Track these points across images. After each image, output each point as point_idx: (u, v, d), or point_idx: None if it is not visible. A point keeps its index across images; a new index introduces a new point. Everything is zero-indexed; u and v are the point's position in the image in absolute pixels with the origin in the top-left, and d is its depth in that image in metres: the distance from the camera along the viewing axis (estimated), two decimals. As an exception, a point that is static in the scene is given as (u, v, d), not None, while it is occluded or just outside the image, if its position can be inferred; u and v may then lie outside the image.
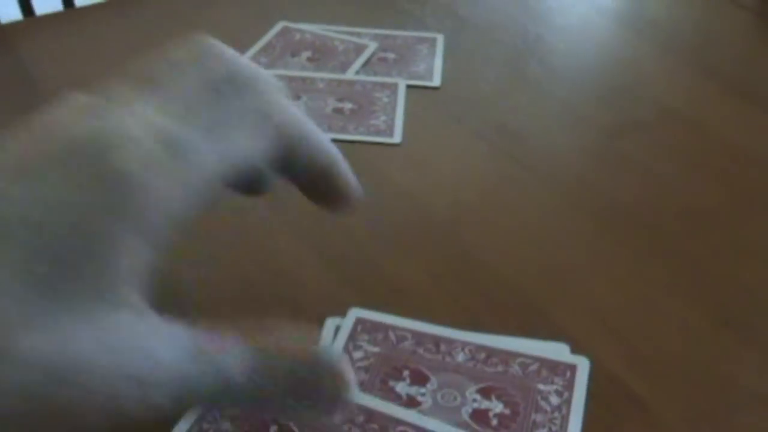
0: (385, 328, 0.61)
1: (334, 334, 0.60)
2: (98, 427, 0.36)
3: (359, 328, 0.60)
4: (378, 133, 0.80)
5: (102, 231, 0.38)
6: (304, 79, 0.86)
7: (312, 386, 0.45)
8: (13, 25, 0.99)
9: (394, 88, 0.86)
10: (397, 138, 0.80)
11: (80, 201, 0.37)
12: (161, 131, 0.42)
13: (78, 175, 0.38)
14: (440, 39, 0.95)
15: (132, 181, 0.39)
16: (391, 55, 0.91)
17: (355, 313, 0.62)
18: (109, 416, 0.36)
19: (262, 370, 0.44)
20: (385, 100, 0.84)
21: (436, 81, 0.88)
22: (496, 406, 0.56)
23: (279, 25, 0.96)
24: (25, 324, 0.34)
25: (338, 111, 0.82)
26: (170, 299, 0.64)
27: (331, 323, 0.61)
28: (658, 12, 1.03)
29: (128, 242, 0.39)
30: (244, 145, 0.47)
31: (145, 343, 0.39)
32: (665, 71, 0.91)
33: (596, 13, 1.02)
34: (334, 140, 0.78)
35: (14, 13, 1.11)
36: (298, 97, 0.83)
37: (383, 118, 0.82)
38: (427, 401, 0.56)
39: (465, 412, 0.55)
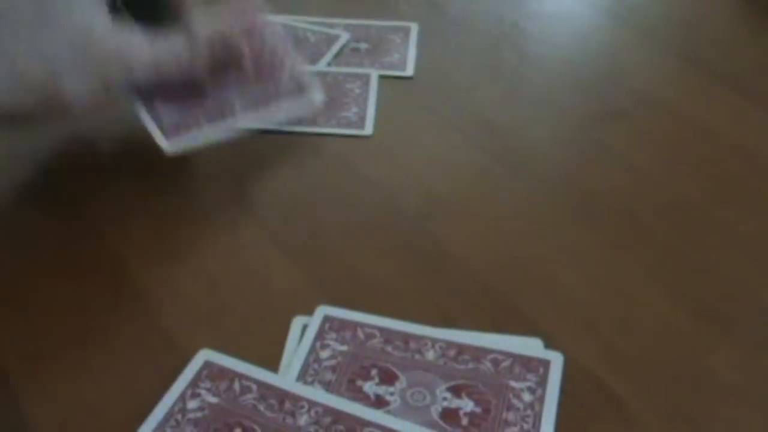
0: (353, 325, 0.59)
1: (302, 333, 0.58)
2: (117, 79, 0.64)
3: (327, 326, 0.59)
4: (349, 125, 0.79)
5: None
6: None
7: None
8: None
9: (366, 79, 0.84)
10: (368, 130, 0.78)
11: None
12: None
13: None
14: (414, 28, 0.93)
15: None
16: (363, 45, 0.90)
17: (322, 311, 0.60)
18: (122, 71, 0.64)
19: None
20: (357, 91, 0.82)
21: (410, 71, 0.86)
22: (467, 405, 0.54)
23: (249, 17, 0.94)
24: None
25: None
26: (133, 297, 0.62)
27: (298, 322, 0.59)
28: (638, -2, 1.01)
29: None
30: None
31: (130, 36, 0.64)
32: (645, 58, 0.90)
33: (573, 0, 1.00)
34: (304, 133, 0.77)
35: None
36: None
37: (355, 109, 0.80)
38: (395, 401, 0.54)
39: (435, 411, 0.54)
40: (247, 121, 0.74)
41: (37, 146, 0.76)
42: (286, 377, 0.55)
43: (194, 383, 0.55)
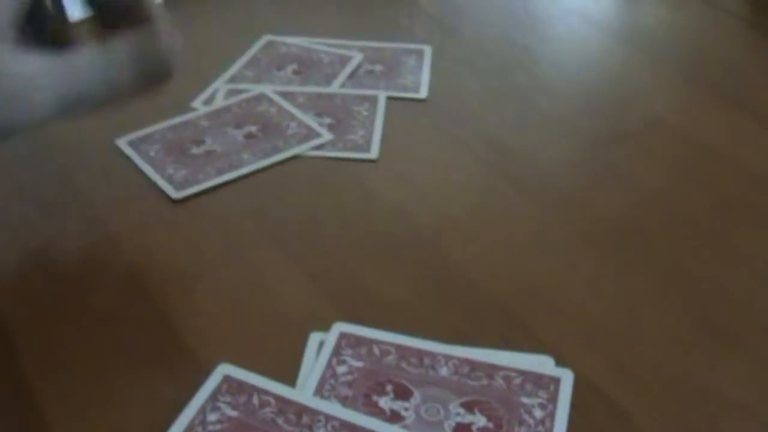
0: (368, 342, 0.60)
1: (318, 349, 0.60)
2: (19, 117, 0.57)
3: (343, 342, 0.60)
4: (355, 148, 0.80)
5: None
6: (285, 94, 0.86)
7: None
8: None
9: (374, 101, 0.86)
10: (374, 153, 0.79)
11: None
12: None
13: None
14: (428, 50, 0.95)
15: None
16: (378, 68, 0.91)
17: (338, 327, 0.61)
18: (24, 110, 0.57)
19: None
20: (365, 113, 0.84)
21: (423, 93, 0.88)
22: (480, 420, 0.55)
23: (264, 39, 0.96)
24: None
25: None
26: (154, 312, 0.64)
27: (315, 338, 0.61)
28: (647, 22, 1.02)
29: None
30: None
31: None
32: (653, 81, 0.91)
33: (584, 23, 1.02)
34: (314, 157, 0.79)
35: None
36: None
37: (361, 132, 0.82)
38: (410, 416, 0.56)
39: (448, 426, 0.55)
40: (254, 166, 0.77)
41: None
42: (303, 392, 0.57)
43: (214, 396, 0.56)
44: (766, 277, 0.67)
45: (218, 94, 0.87)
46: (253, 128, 0.81)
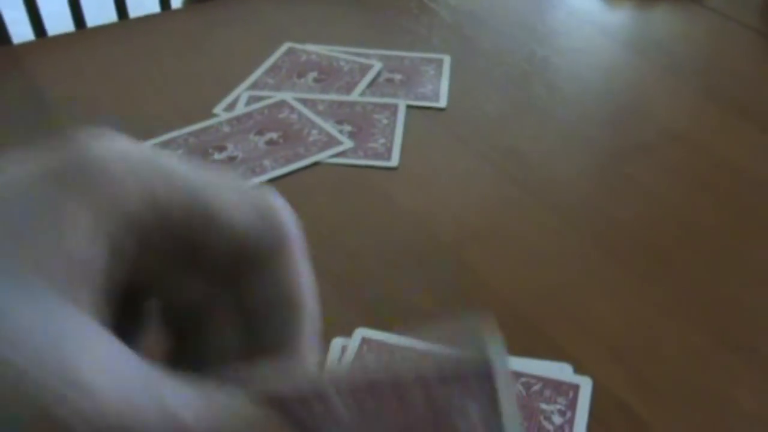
0: (390, 347, 0.61)
1: (341, 354, 0.61)
2: None
3: (365, 348, 0.61)
4: (376, 156, 0.81)
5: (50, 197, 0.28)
6: (305, 101, 0.87)
7: None
8: (24, 46, 1.00)
9: (394, 109, 0.87)
10: (394, 161, 0.80)
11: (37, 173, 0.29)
12: None
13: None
14: (447, 60, 0.96)
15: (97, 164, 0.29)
16: (397, 76, 0.92)
17: (360, 333, 0.62)
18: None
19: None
20: (385, 122, 0.85)
21: (443, 102, 0.89)
22: None
23: (285, 46, 0.97)
24: None
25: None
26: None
27: (337, 343, 0.62)
28: (663, 34, 1.03)
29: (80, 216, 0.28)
30: None
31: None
32: (669, 93, 0.92)
33: (601, 35, 1.03)
34: (334, 164, 0.80)
35: (26, 33, 1.13)
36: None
37: (382, 140, 0.83)
38: (431, 421, 0.56)
39: None
40: (276, 173, 0.78)
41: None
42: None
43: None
44: (782, 290, 0.68)
45: (240, 100, 0.88)
46: (274, 135, 0.82)
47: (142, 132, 0.83)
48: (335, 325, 0.63)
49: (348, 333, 0.62)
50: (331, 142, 0.82)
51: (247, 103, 0.87)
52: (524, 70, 0.95)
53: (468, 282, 0.68)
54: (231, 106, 0.87)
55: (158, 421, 0.26)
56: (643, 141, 0.84)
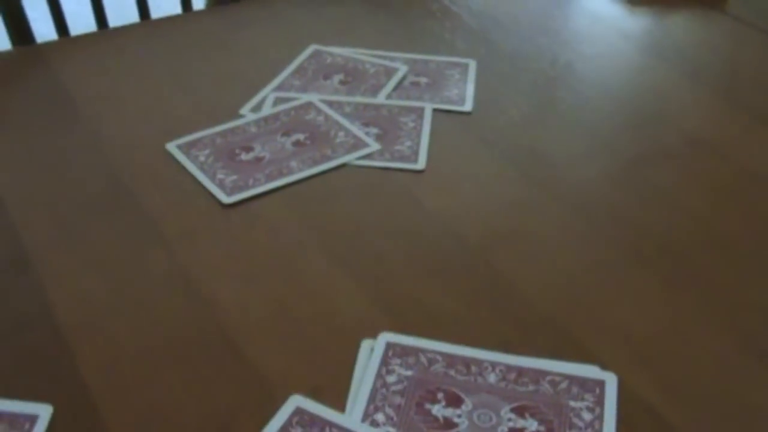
0: (415, 351, 0.62)
1: (369, 356, 0.61)
2: None
3: (390, 352, 0.61)
4: (402, 159, 0.81)
5: None
6: (331, 103, 0.88)
7: None
8: (49, 45, 1.01)
9: (420, 112, 0.87)
10: (420, 164, 0.81)
11: None
12: None
13: None
14: (472, 65, 0.96)
15: None
16: (423, 80, 0.92)
17: (385, 337, 0.63)
18: None
19: None
20: (411, 125, 0.85)
21: (468, 106, 0.89)
22: (531, 425, 0.57)
23: (310, 48, 0.97)
24: None
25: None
26: (208, 320, 0.65)
27: (366, 345, 0.62)
28: (686, 40, 1.04)
29: None
30: None
31: None
32: (693, 99, 0.92)
33: (624, 41, 1.03)
34: (360, 167, 0.80)
35: (50, 33, 1.13)
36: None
37: (408, 143, 0.83)
38: (463, 422, 0.57)
39: None
40: (303, 174, 0.79)
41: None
42: (357, 403, 0.58)
43: (285, 429, 0.57)
44: (808, 298, 0.68)
45: (266, 101, 0.88)
46: (301, 136, 0.83)
47: (168, 132, 0.83)
48: (363, 326, 0.63)
49: (374, 334, 0.62)
50: (358, 144, 0.82)
51: (274, 105, 0.88)
52: (547, 74, 0.95)
53: (494, 284, 0.68)
54: (257, 107, 0.87)
55: None
56: (666, 146, 0.84)
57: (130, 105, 0.88)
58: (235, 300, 0.66)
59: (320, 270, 0.69)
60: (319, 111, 0.86)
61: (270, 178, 0.78)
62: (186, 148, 0.81)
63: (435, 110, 0.88)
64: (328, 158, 0.80)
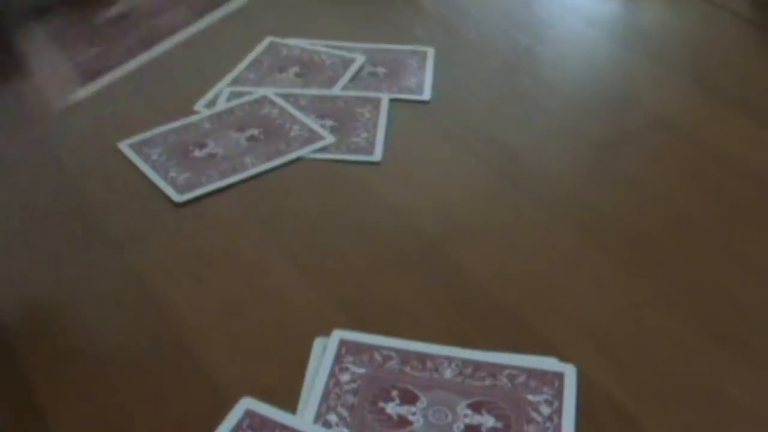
0: (369, 348, 0.60)
1: (322, 354, 0.60)
2: None
3: (344, 350, 0.60)
4: (358, 150, 0.80)
5: None
6: (287, 96, 0.86)
7: None
8: None
9: (376, 103, 0.86)
10: (377, 156, 0.79)
11: None
12: None
13: None
14: (431, 52, 0.94)
15: None
16: (381, 70, 0.91)
17: (338, 335, 0.61)
18: None
19: None
20: (367, 116, 0.84)
21: (427, 95, 0.87)
22: (488, 421, 0.55)
23: (266, 41, 0.96)
24: None
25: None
26: (158, 322, 0.64)
27: (320, 343, 0.60)
28: (650, 22, 1.02)
29: None
30: None
31: None
32: (657, 82, 0.91)
33: (586, 24, 1.01)
34: (316, 159, 0.78)
35: None
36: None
37: (364, 135, 0.81)
38: (418, 420, 0.55)
39: (457, 429, 0.55)
40: (257, 170, 0.77)
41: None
42: (309, 403, 0.56)
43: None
44: (772, 280, 0.67)
45: (221, 96, 0.86)
46: (255, 131, 0.81)
47: (120, 130, 0.82)
48: (317, 324, 0.62)
49: (329, 332, 0.61)
50: (313, 137, 0.80)
51: (228, 99, 0.86)
52: (509, 60, 0.94)
53: (452, 277, 0.67)
54: (212, 103, 0.86)
55: None
56: (631, 131, 0.83)
57: (78, 104, 0.87)
58: (186, 301, 0.65)
59: (274, 268, 0.68)
60: (273, 105, 0.85)
61: (223, 175, 0.76)
62: (138, 147, 0.80)
63: (393, 100, 0.86)
64: (283, 153, 0.79)
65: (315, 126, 0.82)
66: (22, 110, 0.86)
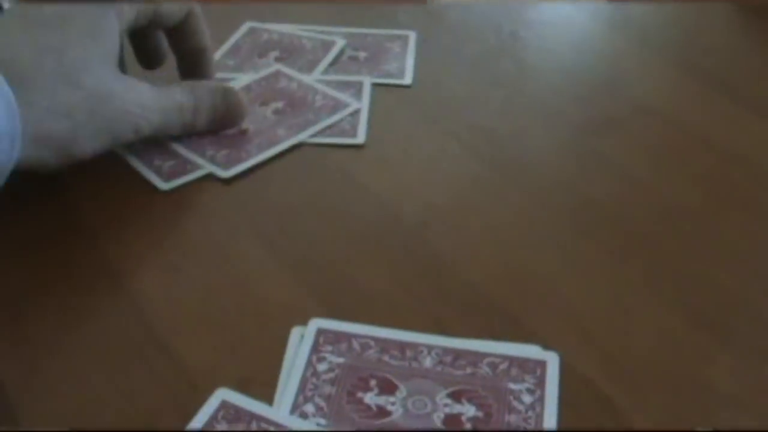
0: (347, 337, 0.59)
1: (299, 344, 0.58)
2: (126, 136, 0.71)
3: (321, 339, 0.59)
4: (341, 133, 0.78)
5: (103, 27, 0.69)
6: (268, 79, 0.85)
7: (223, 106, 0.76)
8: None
9: (359, 87, 0.84)
10: (360, 138, 0.78)
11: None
12: None
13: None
14: (412, 36, 0.93)
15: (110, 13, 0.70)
16: (362, 54, 0.89)
17: (316, 323, 0.60)
18: (132, 129, 0.70)
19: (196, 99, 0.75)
20: (350, 93, 0.83)
21: (408, 79, 0.86)
22: (469, 410, 0.54)
23: (245, 26, 0.94)
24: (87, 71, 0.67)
25: None
26: (130, 305, 0.62)
27: (296, 333, 0.59)
28: (635, 6, 1.01)
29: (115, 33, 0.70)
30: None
31: (139, 89, 0.71)
32: (642, 67, 0.90)
33: (571, 8, 1.00)
34: (297, 143, 0.77)
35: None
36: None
37: (348, 118, 0.80)
38: (397, 410, 0.54)
39: (437, 418, 0.54)
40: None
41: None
42: (285, 394, 0.55)
43: (211, 424, 0.54)
44: (758, 269, 0.65)
45: (198, 82, 0.85)
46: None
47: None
48: (294, 314, 0.61)
49: (306, 321, 0.60)
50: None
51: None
52: (492, 44, 0.93)
53: (433, 265, 0.65)
54: (191, 88, 0.84)
55: (173, 104, 0.73)
56: (616, 117, 0.82)
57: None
58: (160, 290, 0.63)
59: (250, 255, 0.66)
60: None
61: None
62: None
63: (375, 84, 0.85)
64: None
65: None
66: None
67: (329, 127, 0.78)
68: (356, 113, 0.80)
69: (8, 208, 0.70)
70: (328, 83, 0.84)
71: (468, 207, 0.71)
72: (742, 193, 0.72)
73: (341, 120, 0.79)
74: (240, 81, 0.84)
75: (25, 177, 0.68)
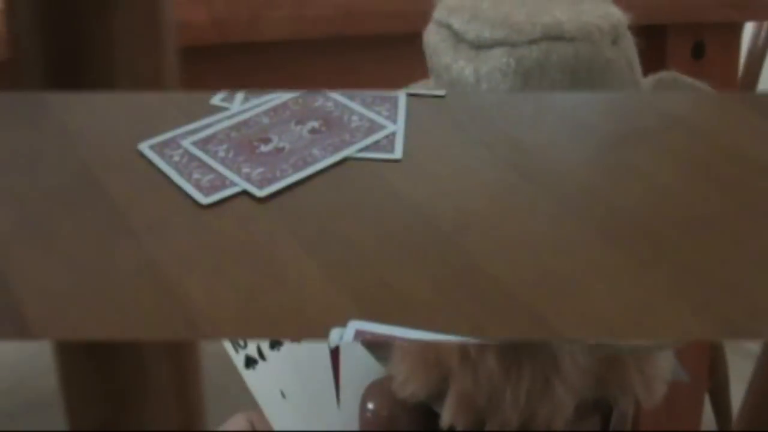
0: (384, 339, 0.61)
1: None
2: None
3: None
4: (378, 149, 0.80)
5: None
6: (305, 97, 0.86)
7: None
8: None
9: (394, 101, 0.86)
10: (397, 154, 0.79)
11: None
12: None
13: None
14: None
15: None
16: (396, 65, 0.91)
17: (354, 325, 0.62)
18: None
19: None
20: (386, 114, 0.84)
21: (442, 90, 0.87)
22: None
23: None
24: None
25: None
26: (174, 310, 0.64)
27: (336, 334, 0.61)
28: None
29: None
30: None
31: None
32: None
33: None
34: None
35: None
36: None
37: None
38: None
39: None
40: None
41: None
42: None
43: None
44: (783, 276, 0.67)
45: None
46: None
47: (143, 130, 0.82)
48: (333, 316, 0.63)
49: (344, 323, 0.62)
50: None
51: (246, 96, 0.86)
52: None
53: (467, 270, 0.67)
54: (229, 97, 0.86)
55: None
56: (644, 126, 0.83)
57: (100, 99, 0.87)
58: (203, 290, 0.65)
59: (289, 259, 0.68)
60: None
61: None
62: (159, 149, 0.79)
63: (409, 95, 0.86)
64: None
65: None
66: (39, 100, 0.86)
67: (365, 148, 0.80)
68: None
69: (56, 214, 0.72)
70: (363, 99, 0.86)
71: (500, 215, 0.73)
72: (767, 202, 0.74)
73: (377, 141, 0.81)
74: (277, 99, 0.85)
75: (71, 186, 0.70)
